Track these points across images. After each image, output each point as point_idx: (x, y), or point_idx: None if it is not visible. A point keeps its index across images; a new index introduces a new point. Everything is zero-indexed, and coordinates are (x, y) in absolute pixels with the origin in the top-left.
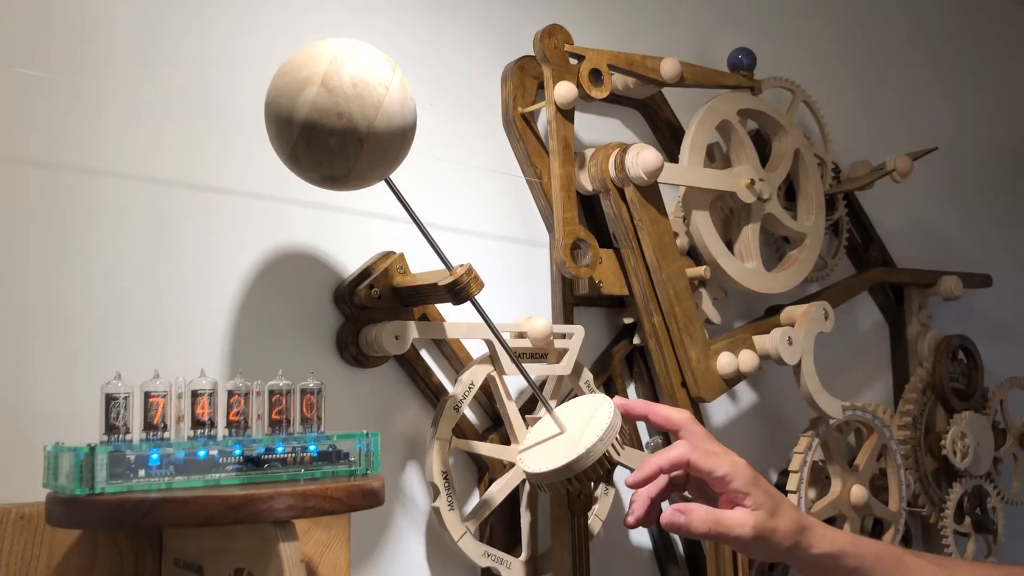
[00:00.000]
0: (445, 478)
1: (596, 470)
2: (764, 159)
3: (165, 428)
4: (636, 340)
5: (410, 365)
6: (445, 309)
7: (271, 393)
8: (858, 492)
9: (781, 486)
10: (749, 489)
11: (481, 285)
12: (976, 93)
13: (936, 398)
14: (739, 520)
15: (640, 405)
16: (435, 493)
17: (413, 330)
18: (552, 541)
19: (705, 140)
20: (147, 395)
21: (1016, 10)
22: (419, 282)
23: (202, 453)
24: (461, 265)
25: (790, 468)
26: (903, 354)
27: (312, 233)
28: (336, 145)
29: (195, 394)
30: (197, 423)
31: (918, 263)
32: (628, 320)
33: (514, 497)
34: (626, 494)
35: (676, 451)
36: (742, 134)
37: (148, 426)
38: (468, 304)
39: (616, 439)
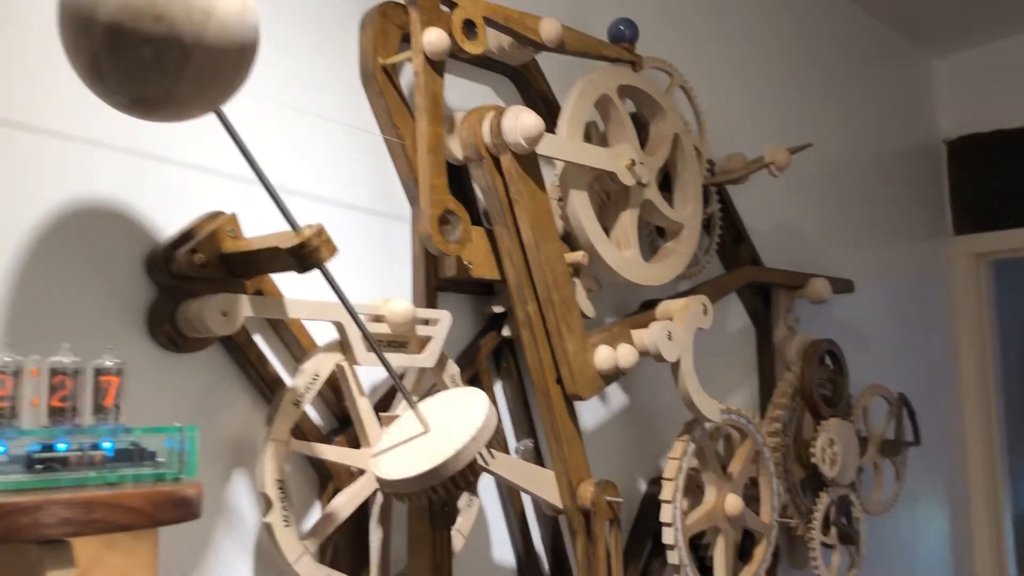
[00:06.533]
0: (280, 488)
1: (466, 476)
2: (640, 145)
3: None
4: (505, 331)
5: (240, 351)
6: (285, 286)
7: (52, 373)
8: (733, 502)
9: (653, 496)
10: None
11: (333, 250)
12: (849, 106)
13: (804, 404)
14: None
15: None
16: (267, 506)
17: (245, 306)
18: (409, 560)
19: (585, 114)
20: None
21: (890, 34)
22: (255, 247)
23: None
24: (310, 226)
25: (665, 476)
26: (770, 358)
27: (122, 184)
28: (151, 56)
29: None
30: None
31: (783, 265)
32: (498, 309)
33: (363, 511)
34: (491, 506)
35: None
36: (622, 112)
37: None
38: (314, 281)
39: (489, 443)
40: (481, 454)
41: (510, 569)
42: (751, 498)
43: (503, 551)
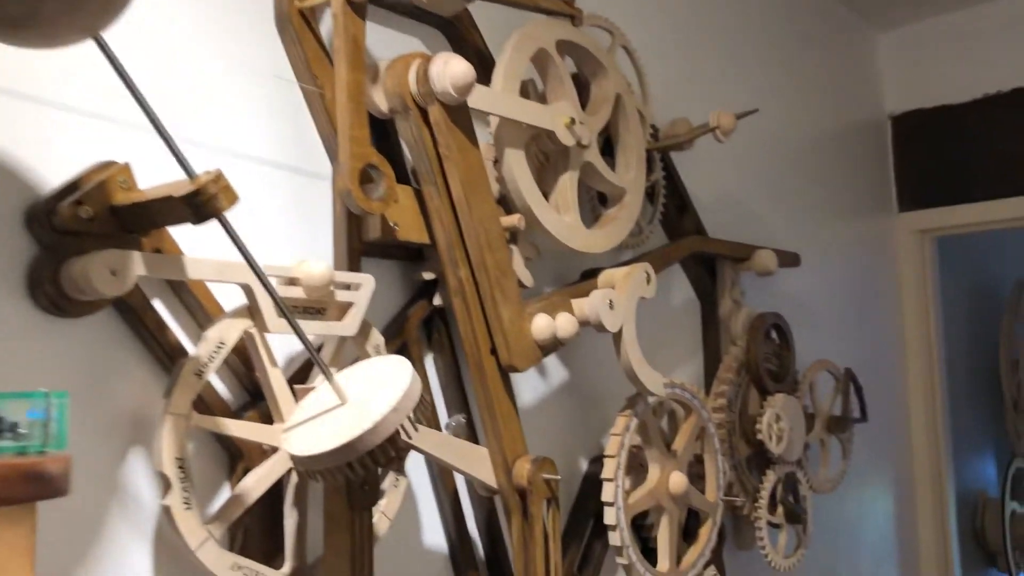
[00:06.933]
0: (180, 467)
1: (386, 451)
2: (581, 106)
3: None
4: (436, 300)
5: (136, 316)
6: (189, 246)
7: None
8: (677, 480)
9: (594, 475)
10: None
11: (234, 198)
12: (795, 78)
13: (750, 379)
14: None
15: None
16: (166, 487)
17: (138, 264)
18: (325, 545)
19: (521, 69)
20: None
21: (836, 7)
22: (148, 197)
23: None
24: (207, 172)
25: (606, 453)
26: (715, 333)
27: None
28: None
29: None
30: None
31: (728, 238)
32: (428, 276)
33: (277, 492)
34: (420, 486)
35: None
36: (561, 69)
37: None
38: (222, 242)
39: (412, 413)
40: (403, 427)
41: (441, 554)
42: (696, 476)
43: (434, 535)
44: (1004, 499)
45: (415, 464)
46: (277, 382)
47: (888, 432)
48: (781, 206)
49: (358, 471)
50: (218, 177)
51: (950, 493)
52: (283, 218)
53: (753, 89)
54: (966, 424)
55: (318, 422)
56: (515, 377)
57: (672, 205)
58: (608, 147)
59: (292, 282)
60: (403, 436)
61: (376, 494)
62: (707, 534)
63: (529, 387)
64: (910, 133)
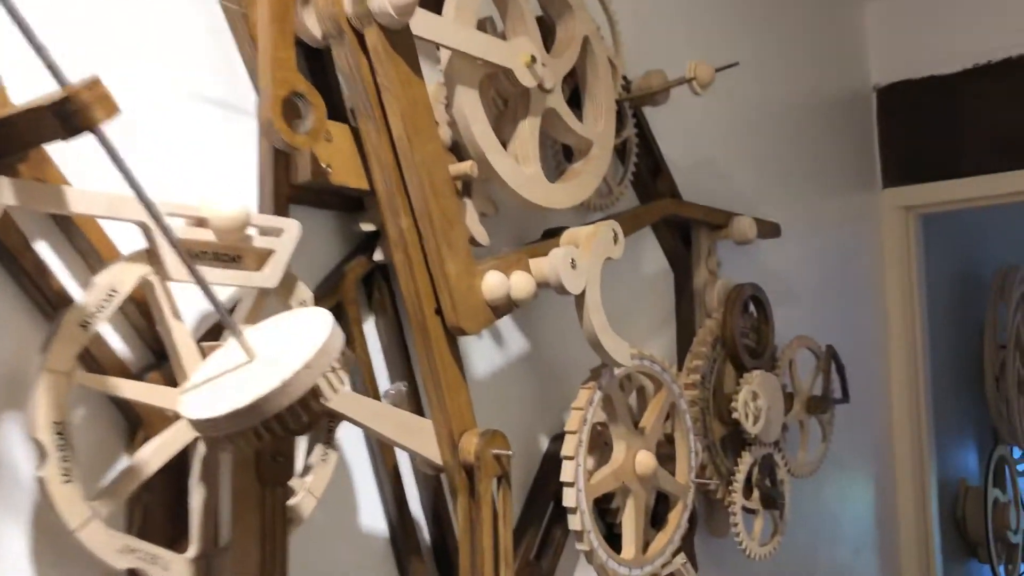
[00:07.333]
0: (59, 433)
1: (297, 415)
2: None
3: None
4: (377, 256)
5: (11, 257)
6: (86, 181)
7: None
8: (645, 459)
9: (555, 454)
10: None
11: (112, 108)
12: (778, 45)
13: (726, 354)
14: None
15: None
16: (42, 456)
17: (4, 191)
18: (233, 524)
19: (476, 1)
20: None
21: None
22: (13, 111)
23: None
24: (84, 79)
25: (567, 428)
26: (689, 304)
27: None
28: None
29: None
30: None
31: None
32: (367, 227)
33: (183, 466)
34: (355, 461)
35: None
36: (523, 5)
37: None
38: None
39: (333, 368)
40: (319, 387)
41: (381, 538)
42: (666, 457)
43: (372, 517)
44: (986, 487)
45: (351, 436)
46: (181, 338)
47: (869, 416)
48: (760, 176)
49: (266, 438)
50: (94, 84)
51: (931, 480)
52: (201, 157)
53: (732, 52)
54: (949, 410)
55: (223, 381)
56: (467, 345)
57: (644, 166)
58: (575, 99)
59: (201, 223)
60: (320, 398)
61: (291, 467)
62: (677, 519)
63: (483, 356)
64: (895, 105)
